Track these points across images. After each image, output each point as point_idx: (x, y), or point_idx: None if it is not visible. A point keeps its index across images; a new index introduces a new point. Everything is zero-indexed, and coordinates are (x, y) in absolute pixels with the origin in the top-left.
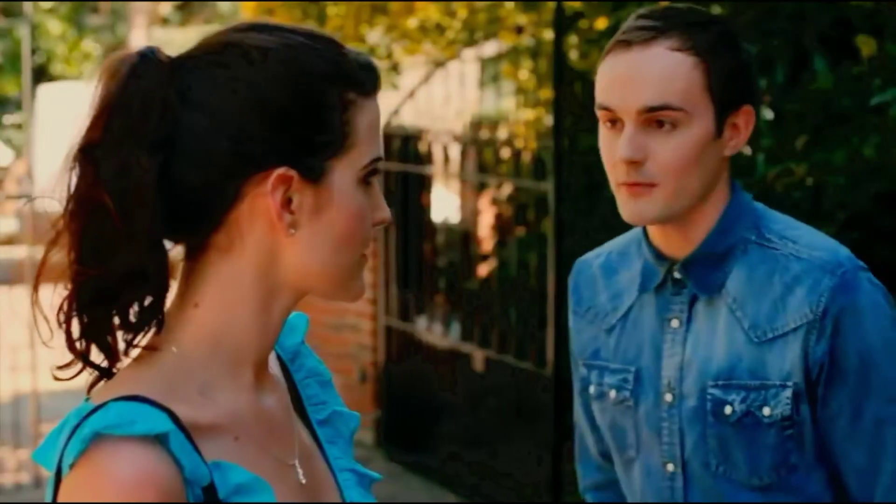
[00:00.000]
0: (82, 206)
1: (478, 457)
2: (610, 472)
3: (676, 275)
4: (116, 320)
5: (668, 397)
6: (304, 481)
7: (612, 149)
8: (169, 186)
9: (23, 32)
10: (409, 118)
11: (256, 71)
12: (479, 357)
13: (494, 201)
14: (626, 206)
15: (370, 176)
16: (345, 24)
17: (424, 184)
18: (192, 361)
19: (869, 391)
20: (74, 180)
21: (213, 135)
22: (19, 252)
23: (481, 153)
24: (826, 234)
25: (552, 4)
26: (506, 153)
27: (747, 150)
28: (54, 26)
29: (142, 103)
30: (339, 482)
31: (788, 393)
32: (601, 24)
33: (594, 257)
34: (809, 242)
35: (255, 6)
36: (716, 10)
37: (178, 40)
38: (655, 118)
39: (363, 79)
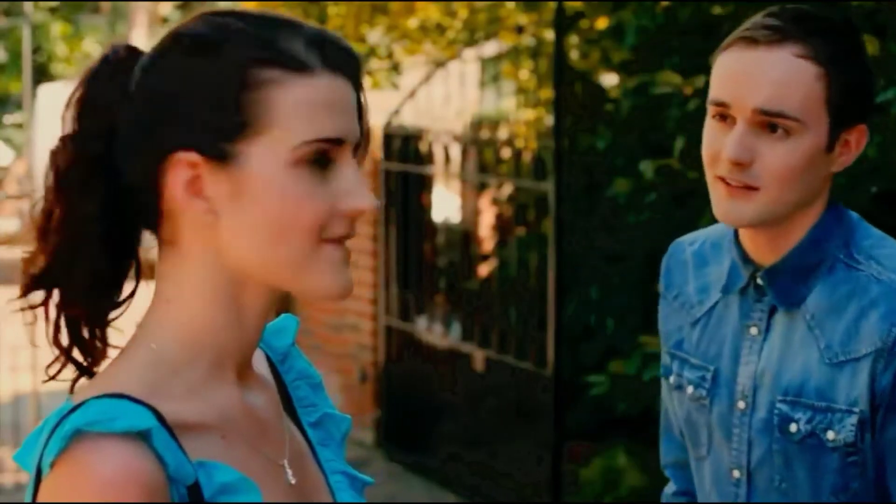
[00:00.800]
0: (45, 207)
1: (478, 457)
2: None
3: (759, 281)
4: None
5: (742, 405)
6: (293, 482)
7: (717, 143)
8: (114, 182)
9: (24, 32)
10: (409, 118)
11: (170, 59)
12: (479, 357)
13: (495, 201)
14: (721, 205)
15: (316, 158)
16: (345, 23)
17: (425, 184)
18: (172, 359)
19: None
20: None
21: (133, 125)
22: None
23: (482, 153)
24: None
25: (553, 4)
26: (506, 153)
27: None
28: (55, 26)
29: (88, 102)
30: (331, 484)
31: (854, 420)
32: (602, 23)
33: (689, 242)
34: (894, 265)
35: (255, 6)
36: (717, 10)
37: None
38: (768, 122)
39: (299, 56)
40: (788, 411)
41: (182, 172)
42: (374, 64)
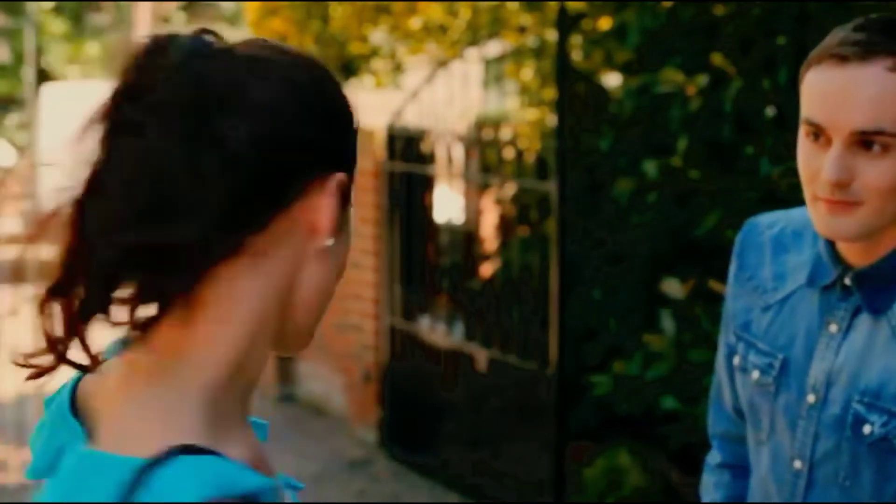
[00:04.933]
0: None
1: (480, 457)
2: (740, 427)
3: (847, 282)
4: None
5: (812, 398)
6: None
7: (814, 163)
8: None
9: (26, 33)
10: (412, 118)
11: (301, 71)
12: (481, 357)
13: (497, 201)
14: (823, 221)
15: None
16: (348, 23)
17: (427, 184)
18: (223, 393)
19: None
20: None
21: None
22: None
23: (484, 153)
24: None
25: (555, 5)
26: (509, 153)
27: (750, 150)
28: (57, 26)
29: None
30: None
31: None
32: (604, 24)
33: (767, 225)
34: None
35: (258, 6)
36: (719, 10)
37: None
38: (865, 140)
39: None
40: (864, 412)
41: (335, 195)
42: (376, 64)
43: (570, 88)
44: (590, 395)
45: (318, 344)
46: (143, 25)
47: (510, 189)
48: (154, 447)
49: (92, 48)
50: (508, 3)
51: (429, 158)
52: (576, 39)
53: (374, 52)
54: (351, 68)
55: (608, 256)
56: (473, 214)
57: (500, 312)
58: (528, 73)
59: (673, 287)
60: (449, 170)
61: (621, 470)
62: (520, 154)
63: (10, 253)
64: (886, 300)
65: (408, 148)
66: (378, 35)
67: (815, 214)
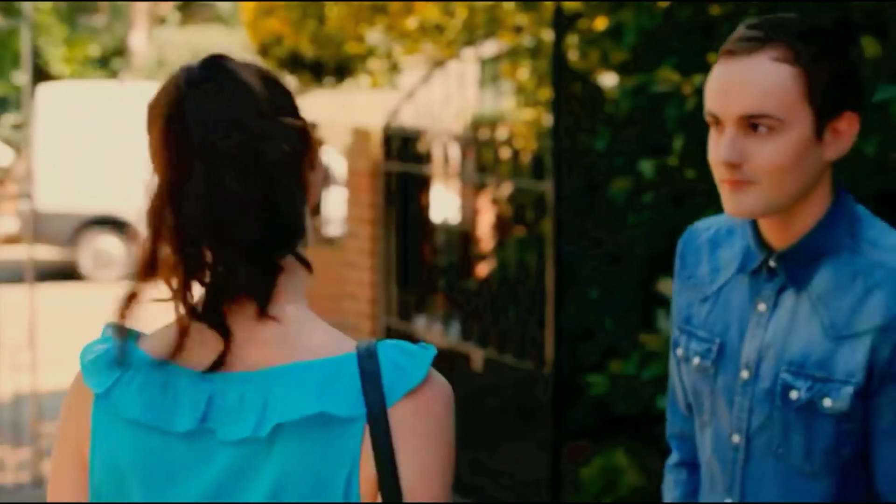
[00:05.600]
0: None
1: (477, 456)
2: (693, 425)
3: (772, 263)
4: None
5: (745, 374)
6: None
7: (716, 150)
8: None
9: (23, 33)
10: (408, 118)
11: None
12: (478, 357)
13: (494, 201)
14: (728, 200)
15: None
16: (344, 23)
17: (424, 184)
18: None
19: None
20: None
21: None
22: (20, 252)
23: (480, 153)
24: None
25: (551, 4)
26: (505, 153)
27: None
28: (53, 27)
29: None
30: None
31: (850, 390)
32: (600, 24)
33: (704, 229)
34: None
35: (254, 6)
36: (716, 10)
37: (177, 40)
38: (752, 123)
39: None
40: (791, 380)
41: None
42: (373, 64)
43: (567, 88)
44: (586, 394)
45: None
46: (140, 26)
47: (506, 189)
48: (334, 349)
49: (88, 48)
50: (504, 3)
51: (425, 158)
52: (572, 39)
53: (371, 52)
54: (347, 68)
55: (605, 256)
56: (470, 214)
57: (496, 312)
58: (524, 72)
59: (670, 287)
60: (445, 170)
61: (618, 470)
62: (516, 154)
63: (7, 253)
64: (807, 276)
65: (404, 148)
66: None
67: (723, 197)
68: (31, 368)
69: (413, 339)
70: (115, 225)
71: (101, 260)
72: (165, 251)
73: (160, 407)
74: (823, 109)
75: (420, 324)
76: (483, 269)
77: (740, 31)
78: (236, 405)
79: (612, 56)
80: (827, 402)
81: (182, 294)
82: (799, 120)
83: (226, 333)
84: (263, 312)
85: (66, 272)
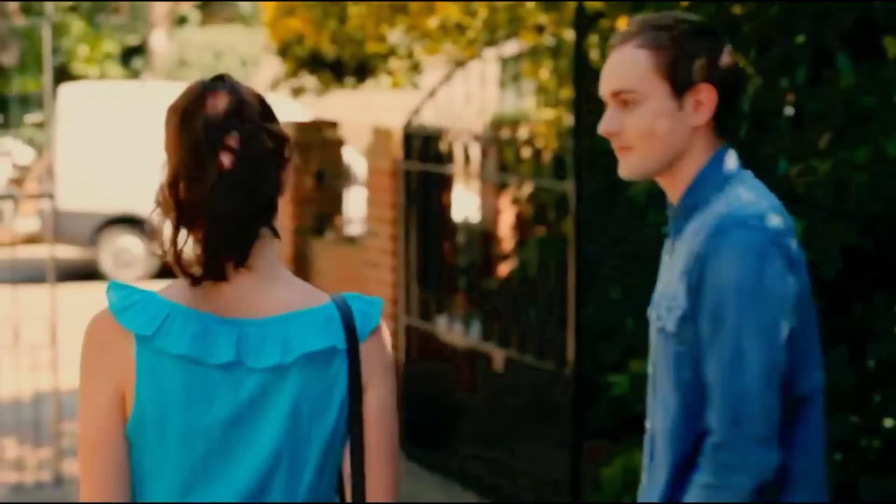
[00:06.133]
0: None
1: (497, 456)
2: None
3: (670, 221)
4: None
5: (654, 316)
6: None
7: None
8: None
9: (44, 32)
10: (429, 118)
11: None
12: (498, 357)
13: (515, 201)
14: (619, 165)
15: None
16: (365, 23)
17: (445, 183)
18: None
19: (719, 327)
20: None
21: None
22: (41, 251)
23: (502, 153)
24: (778, 202)
25: (573, 4)
26: (526, 153)
27: (768, 149)
28: (74, 26)
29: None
30: None
31: (678, 314)
32: (622, 23)
33: None
34: (736, 201)
35: (275, 6)
36: (737, 10)
37: (198, 40)
38: (621, 99)
39: None
40: (664, 313)
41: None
42: (394, 64)
43: (588, 88)
44: (607, 394)
45: None
46: (160, 25)
47: (527, 188)
48: (319, 300)
49: (109, 48)
50: (526, 3)
51: (446, 158)
52: (593, 39)
53: (392, 52)
54: (368, 68)
55: (625, 255)
56: (490, 214)
57: (517, 312)
58: (545, 72)
59: None
60: (466, 169)
61: (638, 470)
62: (537, 153)
63: (28, 252)
64: (682, 228)
65: (425, 147)
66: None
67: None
68: (51, 367)
69: (434, 339)
70: (135, 224)
71: (122, 259)
72: (175, 220)
73: (202, 344)
74: (678, 83)
75: (441, 324)
76: (504, 269)
77: (623, 30)
78: (260, 342)
79: None
80: (669, 326)
81: (178, 256)
82: (655, 92)
83: (221, 277)
84: (243, 265)
85: (87, 271)
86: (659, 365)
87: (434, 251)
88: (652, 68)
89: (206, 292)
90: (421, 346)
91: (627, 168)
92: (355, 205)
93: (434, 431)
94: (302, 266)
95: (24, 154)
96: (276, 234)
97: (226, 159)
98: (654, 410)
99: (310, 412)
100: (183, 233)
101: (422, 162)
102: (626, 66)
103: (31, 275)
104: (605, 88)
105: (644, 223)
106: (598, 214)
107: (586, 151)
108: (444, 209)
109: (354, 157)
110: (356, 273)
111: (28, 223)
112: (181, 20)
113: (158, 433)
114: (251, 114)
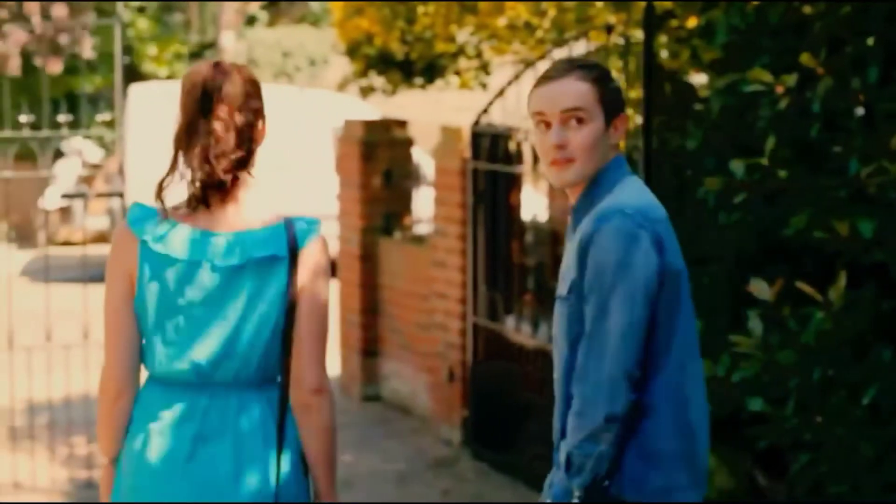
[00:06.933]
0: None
1: None
2: None
3: (570, 214)
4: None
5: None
6: None
7: (545, 140)
8: None
9: (115, 31)
10: (498, 117)
11: None
12: None
13: None
14: (553, 176)
15: None
16: (434, 23)
17: (513, 183)
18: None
19: (594, 289)
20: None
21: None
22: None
23: None
24: (653, 200)
25: (642, 3)
26: None
27: (839, 149)
28: (144, 25)
29: None
30: None
31: (569, 281)
32: (691, 23)
33: None
34: (619, 197)
35: (344, 5)
36: (808, 9)
37: (267, 40)
38: (571, 116)
39: None
40: (561, 283)
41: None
42: (462, 63)
43: (657, 88)
44: None
45: (403, 343)
46: (228, 25)
47: None
48: (274, 221)
49: (178, 48)
50: (595, 2)
51: (514, 157)
52: (662, 38)
53: (460, 52)
54: (436, 67)
55: (695, 257)
56: (559, 213)
57: None
58: (614, 72)
59: (760, 288)
60: (534, 169)
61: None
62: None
63: (97, 250)
64: (578, 219)
65: (493, 147)
66: (464, 35)
67: (549, 174)
68: (83, 367)
69: (502, 339)
70: None
71: None
72: (184, 160)
73: (185, 248)
74: (608, 111)
75: (509, 323)
76: None
77: (553, 66)
78: (226, 249)
79: (703, 55)
80: (562, 291)
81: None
82: (596, 115)
83: (207, 206)
84: (230, 196)
85: None
86: (557, 326)
87: (502, 251)
88: (595, 98)
89: (197, 214)
90: (488, 345)
91: (566, 177)
92: (424, 204)
93: (501, 431)
94: (370, 265)
95: (93, 153)
96: (250, 174)
97: (217, 125)
98: (555, 363)
99: (258, 302)
100: (186, 172)
101: (490, 162)
102: (578, 92)
103: (101, 273)
104: (555, 106)
105: (714, 224)
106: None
107: (656, 152)
108: (513, 209)
109: (423, 157)
110: (424, 272)
111: (98, 222)
112: (250, 20)
113: (152, 308)
114: (244, 89)
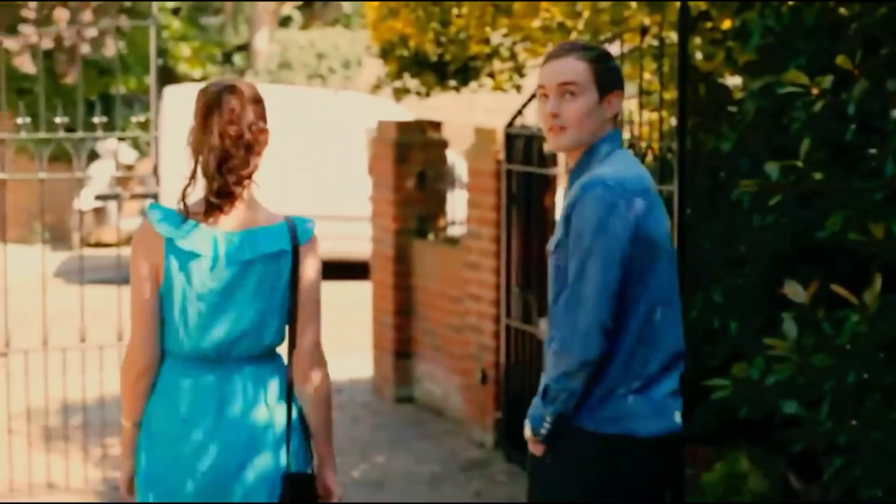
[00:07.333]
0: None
1: None
2: None
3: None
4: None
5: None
6: None
7: (544, 109)
8: None
9: (150, 33)
10: (532, 119)
11: None
12: None
13: None
14: (552, 141)
15: None
16: (468, 24)
17: (547, 185)
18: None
19: (576, 249)
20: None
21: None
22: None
23: None
24: (641, 172)
25: (677, 5)
26: None
27: (875, 151)
28: (178, 27)
29: None
30: None
31: (556, 239)
32: (726, 24)
33: None
34: (606, 168)
35: (378, 6)
36: (843, 11)
37: (301, 41)
38: (566, 90)
39: None
40: (551, 240)
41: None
42: (496, 65)
43: (692, 89)
44: (710, 398)
45: (436, 345)
46: (263, 26)
47: None
48: (277, 220)
49: (212, 49)
50: (629, 4)
51: (549, 159)
52: (697, 40)
53: (494, 54)
54: (470, 69)
55: (729, 259)
56: None
57: None
58: (648, 73)
59: (795, 290)
60: (568, 170)
61: (741, 475)
62: (640, 155)
63: (129, 251)
64: (573, 182)
65: (527, 148)
66: (498, 36)
67: (547, 139)
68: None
69: (535, 341)
70: None
71: None
72: (202, 170)
73: (203, 245)
74: (602, 87)
75: (542, 326)
76: None
77: (558, 46)
78: (238, 245)
79: (738, 57)
80: (550, 248)
81: (185, 193)
82: (589, 90)
83: (220, 209)
84: (240, 200)
85: None
86: (550, 278)
87: (536, 253)
88: (589, 75)
89: (212, 215)
90: (521, 348)
91: (560, 142)
92: (457, 206)
93: None
94: (403, 267)
95: (128, 154)
96: (255, 182)
97: (227, 142)
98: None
99: (267, 289)
100: (201, 181)
101: (524, 163)
102: (573, 68)
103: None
104: (553, 80)
105: (749, 226)
106: (702, 217)
107: (690, 153)
108: (546, 211)
109: (457, 159)
110: (457, 274)
111: (132, 223)
112: (284, 21)
113: (178, 296)
114: (252, 109)
